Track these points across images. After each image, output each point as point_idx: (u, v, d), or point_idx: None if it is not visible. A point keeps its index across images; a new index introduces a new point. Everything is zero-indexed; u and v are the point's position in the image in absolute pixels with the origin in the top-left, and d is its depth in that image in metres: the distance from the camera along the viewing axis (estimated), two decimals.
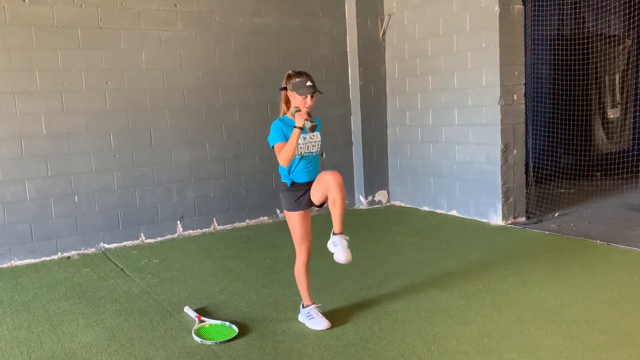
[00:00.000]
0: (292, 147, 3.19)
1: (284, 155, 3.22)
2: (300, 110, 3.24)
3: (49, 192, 5.18)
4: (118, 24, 5.39)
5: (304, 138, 3.31)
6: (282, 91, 3.37)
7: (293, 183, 3.37)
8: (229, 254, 5.11)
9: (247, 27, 6.12)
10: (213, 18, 5.91)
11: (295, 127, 3.18)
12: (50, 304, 3.94)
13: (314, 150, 3.39)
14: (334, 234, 3.25)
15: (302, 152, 3.33)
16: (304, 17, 6.51)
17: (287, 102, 3.36)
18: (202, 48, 5.87)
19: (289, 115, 3.35)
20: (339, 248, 3.18)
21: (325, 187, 3.20)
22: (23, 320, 3.65)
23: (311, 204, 3.38)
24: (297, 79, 3.28)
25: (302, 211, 3.37)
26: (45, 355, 3.12)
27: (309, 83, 3.26)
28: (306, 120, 3.20)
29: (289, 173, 3.37)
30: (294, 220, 3.37)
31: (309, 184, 3.36)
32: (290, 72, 3.37)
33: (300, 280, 3.40)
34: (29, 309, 3.86)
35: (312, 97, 3.28)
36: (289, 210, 3.38)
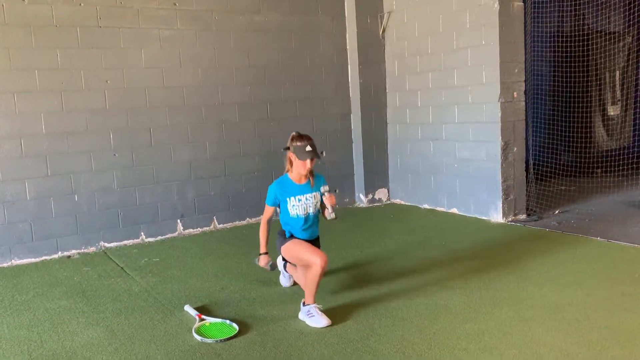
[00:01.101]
0: (260, 238, 3.68)
1: (261, 227, 3.68)
2: (262, 262, 3.69)
3: (49, 191, 5.18)
4: (117, 23, 5.39)
5: (299, 200, 3.52)
6: (286, 151, 3.54)
7: (292, 235, 3.60)
8: (229, 252, 5.11)
9: (247, 25, 6.12)
10: (212, 17, 5.90)
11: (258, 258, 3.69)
12: (50, 303, 3.94)
13: (311, 212, 3.57)
14: (304, 304, 3.41)
15: (297, 213, 3.53)
16: (304, 15, 6.50)
17: (291, 161, 3.53)
18: (202, 47, 5.86)
19: (290, 176, 3.56)
20: (316, 318, 3.31)
21: (311, 265, 3.39)
22: (23, 319, 3.65)
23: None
24: (299, 143, 3.45)
25: (297, 238, 3.58)
26: (45, 354, 3.12)
27: (308, 148, 3.44)
28: (268, 265, 3.67)
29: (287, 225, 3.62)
30: (293, 244, 3.54)
31: (307, 240, 3.60)
32: (294, 134, 3.52)
33: (313, 284, 3.38)
34: (30, 308, 3.86)
35: (312, 161, 3.46)
36: (283, 244, 3.61)
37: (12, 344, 3.27)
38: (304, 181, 3.55)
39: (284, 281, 4.03)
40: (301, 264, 3.56)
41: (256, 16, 6.17)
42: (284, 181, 3.57)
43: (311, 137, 3.51)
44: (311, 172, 3.55)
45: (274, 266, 3.67)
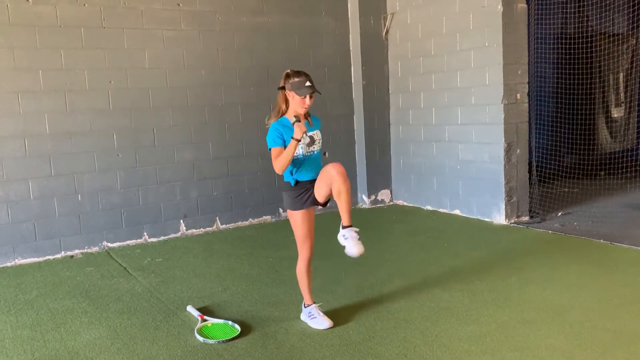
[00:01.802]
0: (288, 157, 3.18)
1: (279, 163, 3.21)
2: (300, 121, 3.20)
3: (53, 191, 5.20)
4: (121, 24, 5.40)
5: (304, 138, 3.27)
6: (280, 90, 3.30)
7: (297, 182, 3.34)
8: (232, 253, 5.11)
9: (250, 26, 6.13)
10: (216, 17, 5.91)
11: (292, 138, 3.15)
12: (53, 303, 3.96)
13: (315, 149, 3.37)
14: (343, 227, 3.18)
15: (304, 153, 3.31)
16: (307, 16, 6.51)
17: (286, 101, 3.29)
18: (205, 47, 5.87)
19: (287, 116, 3.29)
20: (349, 241, 3.12)
21: (329, 179, 3.15)
22: (27, 319, 3.66)
23: (315, 202, 3.33)
24: (296, 79, 3.22)
25: (305, 210, 3.34)
26: (48, 353, 3.13)
27: (307, 83, 3.21)
28: (305, 133, 3.19)
29: (291, 173, 3.34)
30: (297, 219, 3.35)
31: (313, 182, 3.33)
32: (289, 71, 3.31)
33: (302, 279, 3.39)
34: (33, 308, 3.87)
35: (311, 97, 3.24)
36: (292, 209, 3.36)
37: (16, 344, 3.28)
38: (303, 121, 3.26)
39: (352, 249, 3.18)
40: (298, 242, 3.39)
41: (259, 17, 6.18)
42: (283, 121, 3.28)
43: (308, 73, 3.28)
44: (308, 114, 3.32)
45: (312, 142, 3.28)
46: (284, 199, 3.44)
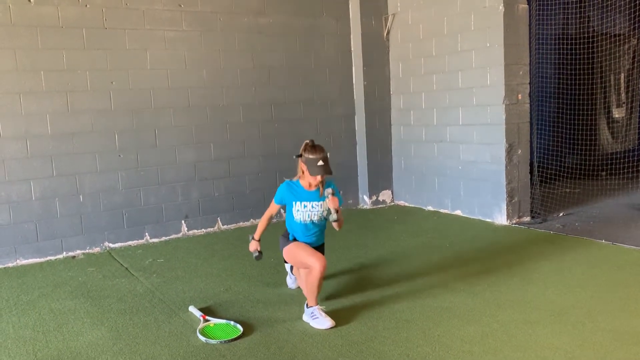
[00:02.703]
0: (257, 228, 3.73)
1: (261, 219, 3.72)
2: (252, 247, 3.72)
3: (54, 191, 5.20)
4: (123, 24, 5.41)
5: (305, 206, 3.51)
6: (299, 158, 3.50)
7: (295, 239, 3.61)
8: (234, 253, 5.11)
9: (251, 27, 6.13)
10: (217, 18, 5.92)
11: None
12: (55, 303, 3.96)
13: (315, 219, 3.55)
14: (308, 306, 3.42)
15: (301, 219, 3.53)
16: (308, 17, 6.51)
17: (302, 170, 3.51)
18: (207, 48, 5.88)
19: (302, 183, 3.54)
20: (320, 319, 3.31)
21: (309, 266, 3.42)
22: (29, 319, 3.66)
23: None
24: (311, 156, 3.40)
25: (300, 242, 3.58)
26: (50, 354, 3.13)
27: (320, 163, 3.37)
28: (255, 250, 3.71)
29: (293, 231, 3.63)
30: (294, 247, 3.52)
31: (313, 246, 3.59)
32: (308, 143, 3.47)
33: (313, 288, 3.39)
34: (35, 308, 3.87)
35: (322, 177, 3.44)
36: (285, 245, 3.59)
37: (18, 344, 3.28)
38: (313, 189, 3.53)
39: (290, 283, 4.03)
40: (301, 267, 3.56)
41: (261, 18, 6.19)
42: (294, 184, 3.57)
43: (324, 149, 3.46)
44: (322, 181, 3.52)
45: (259, 257, 3.69)
46: (279, 243, 3.69)
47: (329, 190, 3.46)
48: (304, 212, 3.51)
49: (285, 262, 3.88)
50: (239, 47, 6.07)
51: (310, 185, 3.51)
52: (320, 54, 6.63)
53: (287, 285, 4.06)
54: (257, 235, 3.74)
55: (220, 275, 4.46)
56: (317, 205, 3.52)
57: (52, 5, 5.07)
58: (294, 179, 3.59)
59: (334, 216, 3.42)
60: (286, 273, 4.08)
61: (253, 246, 3.71)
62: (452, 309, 3.51)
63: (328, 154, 3.51)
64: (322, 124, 6.71)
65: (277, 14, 6.28)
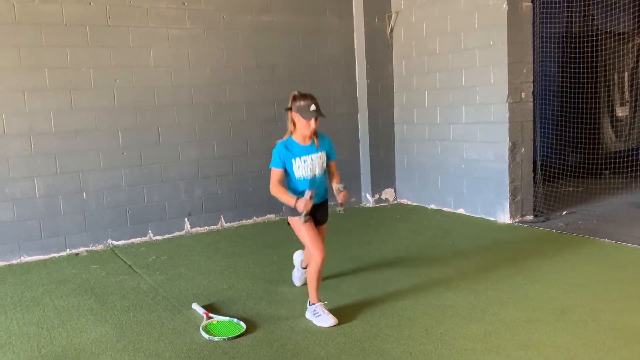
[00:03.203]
0: (282, 199, 3.34)
1: (274, 191, 3.36)
2: (305, 198, 3.25)
3: (58, 189, 5.22)
4: (126, 22, 5.42)
5: (305, 161, 3.39)
6: (288, 111, 3.39)
7: (298, 197, 3.41)
8: (236, 251, 5.13)
9: (255, 25, 6.13)
10: (221, 16, 5.92)
11: (295, 206, 3.26)
12: (59, 300, 3.98)
13: (317, 173, 3.44)
14: (310, 304, 3.40)
15: (304, 175, 3.41)
16: (311, 14, 6.51)
17: (294, 122, 3.39)
18: (210, 46, 5.89)
19: (294, 137, 3.40)
20: (322, 316, 3.31)
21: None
22: (33, 316, 3.68)
23: (313, 219, 3.42)
24: (302, 102, 3.30)
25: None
26: (55, 350, 3.15)
27: (312, 107, 3.28)
28: (305, 213, 3.26)
29: (294, 192, 3.44)
30: (299, 224, 3.39)
31: (316, 206, 3.43)
32: (296, 93, 3.36)
33: (312, 280, 3.40)
34: (39, 305, 3.89)
35: (316, 120, 3.33)
36: (292, 215, 3.43)
37: (22, 340, 3.30)
38: (308, 142, 3.41)
39: (296, 278, 3.99)
40: (301, 240, 3.49)
41: (264, 16, 6.19)
42: (289, 142, 3.41)
43: (314, 96, 3.35)
44: (315, 133, 3.42)
45: (306, 217, 3.30)
46: (283, 209, 3.54)
47: (341, 185, 3.42)
48: (306, 167, 3.39)
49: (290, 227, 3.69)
50: (242, 45, 6.08)
51: (304, 137, 3.38)
52: (323, 52, 6.64)
53: (291, 282, 4.05)
54: (291, 199, 3.30)
55: (223, 273, 4.47)
56: (317, 157, 3.42)
57: (56, 3, 5.08)
58: (285, 137, 3.43)
59: (341, 209, 3.40)
60: (292, 266, 4.04)
61: (302, 205, 3.24)
62: (454, 307, 3.52)
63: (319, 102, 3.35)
64: (324, 122, 6.59)
65: (281, 12, 6.28)
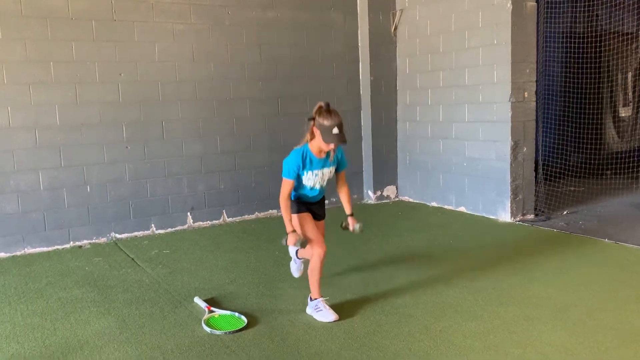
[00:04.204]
0: (284, 215, 3.39)
1: (282, 201, 3.37)
2: (303, 245, 3.36)
3: (62, 182, 5.25)
4: (132, 17, 5.44)
5: (316, 175, 3.40)
6: (311, 121, 3.29)
7: (298, 199, 3.51)
8: (239, 246, 5.16)
9: (259, 20, 6.15)
10: (225, 11, 5.94)
11: (287, 236, 3.35)
12: (63, 292, 4.02)
13: (323, 185, 3.51)
14: (311, 299, 3.43)
15: (309, 185, 3.45)
16: (316, 11, 6.52)
17: (313, 133, 3.30)
18: (214, 41, 5.91)
19: (311, 148, 3.35)
20: (324, 312, 3.34)
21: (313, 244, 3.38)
22: (37, 307, 3.72)
23: (312, 215, 3.51)
24: (326, 122, 3.18)
25: (304, 213, 3.47)
26: (58, 341, 3.19)
27: (335, 130, 3.18)
28: (297, 239, 3.33)
29: (295, 190, 3.48)
30: (301, 220, 3.44)
31: (313, 204, 3.54)
32: (322, 105, 3.24)
33: (313, 275, 3.43)
34: (43, 297, 3.93)
35: (336, 145, 3.27)
36: (291, 210, 3.46)
37: (26, 331, 3.34)
38: (323, 155, 3.38)
39: (294, 269, 3.95)
40: (300, 233, 3.49)
41: (269, 11, 6.20)
42: (305, 153, 3.33)
43: (339, 114, 3.22)
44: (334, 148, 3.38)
45: (305, 243, 3.35)
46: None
47: (359, 226, 3.55)
48: (315, 179, 3.39)
49: (296, 245, 3.79)
50: (247, 40, 6.10)
51: (320, 151, 3.33)
52: (327, 49, 6.65)
53: (292, 278, 4.07)
54: (289, 228, 3.35)
55: (225, 267, 4.50)
56: (328, 171, 3.41)
57: None
58: (302, 144, 3.35)
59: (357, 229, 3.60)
60: (290, 259, 4.07)
61: (293, 238, 3.31)
62: (454, 304, 3.54)
63: (343, 121, 3.27)
64: None
65: (285, 8, 6.30)
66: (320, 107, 3.24)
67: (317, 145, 3.31)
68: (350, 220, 3.62)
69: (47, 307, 3.72)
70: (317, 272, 3.42)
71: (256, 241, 5.30)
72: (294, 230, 3.35)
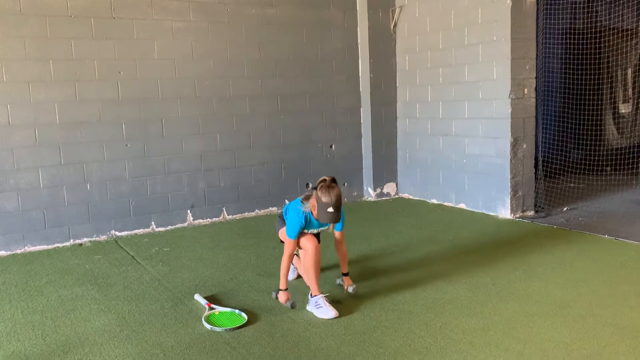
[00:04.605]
0: (281, 274, 3.56)
1: (283, 261, 3.53)
2: (293, 306, 3.48)
3: (62, 180, 5.26)
4: (131, 14, 5.43)
5: (315, 233, 3.60)
6: (313, 190, 3.42)
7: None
8: (239, 243, 5.16)
9: (259, 18, 6.14)
10: (225, 9, 5.93)
11: (277, 294, 3.59)
12: (63, 290, 4.02)
13: (318, 234, 3.65)
14: (312, 295, 3.45)
15: (311, 232, 3.59)
16: (315, 8, 6.52)
17: (315, 203, 3.43)
18: (214, 39, 5.90)
19: (313, 213, 3.45)
20: (323, 308, 3.36)
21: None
22: (37, 305, 3.73)
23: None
24: (324, 199, 3.30)
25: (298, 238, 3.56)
26: (59, 339, 3.19)
27: (330, 209, 3.30)
28: (288, 299, 3.51)
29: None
30: (290, 243, 3.52)
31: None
32: (325, 181, 3.35)
33: (310, 272, 3.45)
34: (43, 294, 3.94)
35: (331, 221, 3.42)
36: (282, 227, 3.61)
37: (27, 328, 3.34)
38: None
39: (289, 274, 4.05)
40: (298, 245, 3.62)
41: (268, 9, 6.20)
42: (308, 217, 3.49)
43: (338, 190, 3.33)
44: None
45: (294, 305, 3.46)
46: (277, 224, 3.74)
47: (352, 288, 3.67)
48: (311, 231, 3.59)
49: (282, 242, 3.86)
50: (246, 38, 6.09)
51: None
52: (326, 46, 6.64)
53: (292, 275, 4.09)
54: (283, 285, 3.53)
55: (226, 265, 4.51)
56: (325, 229, 3.61)
57: None
58: (306, 209, 3.46)
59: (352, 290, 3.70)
60: None
61: (284, 297, 3.50)
62: (454, 301, 3.55)
63: (341, 194, 3.39)
64: (327, 116, 6.73)
65: (285, 6, 6.29)
66: (323, 181, 3.37)
67: (316, 213, 3.45)
68: (345, 280, 3.75)
69: (48, 305, 3.72)
70: (313, 269, 3.44)
71: (256, 238, 5.31)
72: (287, 289, 3.55)
